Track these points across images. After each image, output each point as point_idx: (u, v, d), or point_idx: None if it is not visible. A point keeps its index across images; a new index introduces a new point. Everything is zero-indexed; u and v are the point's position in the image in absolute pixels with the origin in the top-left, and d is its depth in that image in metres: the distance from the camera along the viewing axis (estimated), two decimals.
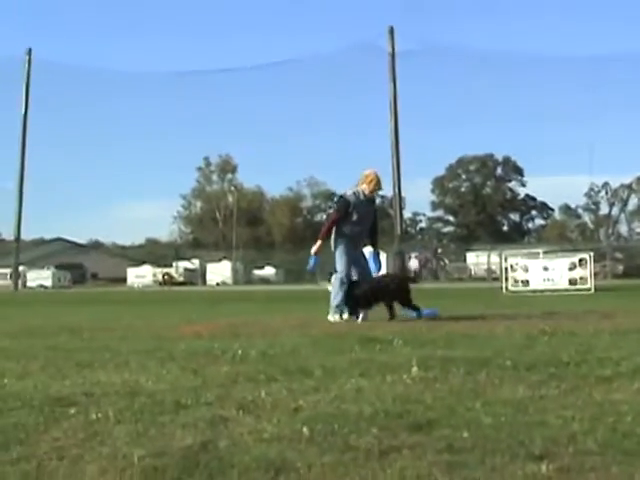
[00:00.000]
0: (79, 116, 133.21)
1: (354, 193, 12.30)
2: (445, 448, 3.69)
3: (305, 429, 4.06)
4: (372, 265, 12.71)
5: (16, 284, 69.33)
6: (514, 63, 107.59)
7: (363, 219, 12.28)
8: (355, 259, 12.36)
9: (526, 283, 30.46)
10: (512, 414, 4.39)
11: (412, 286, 12.56)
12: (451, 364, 6.37)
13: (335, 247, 12.39)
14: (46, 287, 77.95)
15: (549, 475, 3.26)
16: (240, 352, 7.51)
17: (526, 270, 30.85)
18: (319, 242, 12.39)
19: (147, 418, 4.49)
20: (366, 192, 12.22)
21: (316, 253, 12.44)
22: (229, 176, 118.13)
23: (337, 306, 12.21)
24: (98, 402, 5.01)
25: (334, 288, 12.34)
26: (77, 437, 4.08)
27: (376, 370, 6.18)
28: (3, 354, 7.98)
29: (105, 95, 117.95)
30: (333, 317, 12.11)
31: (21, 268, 74.50)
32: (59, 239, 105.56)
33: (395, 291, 12.21)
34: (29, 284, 79.96)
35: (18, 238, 70.11)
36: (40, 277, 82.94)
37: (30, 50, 69.13)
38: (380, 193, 13.18)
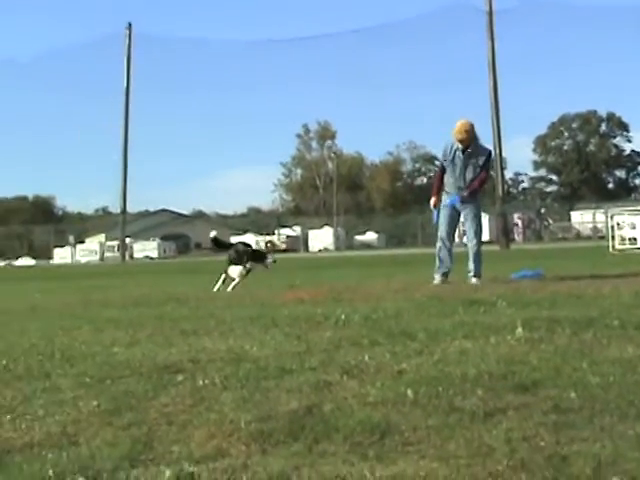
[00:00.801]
0: (180, 88, 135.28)
1: (450, 145, 12.14)
2: (552, 409, 3.64)
3: (409, 392, 4.05)
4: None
5: (123, 256, 70.98)
6: (614, 14, 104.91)
7: (459, 173, 12.03)
8: (451, 217, 12.19)
9: (634, 241, 29.83)
10: (621, 374, 4.31)
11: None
12: (556, 324, 6.27)
13: None
14: (152, 258, 79.51)
15: None
16: (343, 317, 7.52)
17: (633, 227, 30.23)
18: (433, 197, 12.30)
19: (252, 384, 4.54)
20: (456, 143, 12.00)
21: (434, 206, 12.29)
22: (328, 142, 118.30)
23: (437, 268, 12.11)
24: (204, 369, 5.08)
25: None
26: (185, 403, 4.15)
27: (480, 332, 6.13)
28: (112, 324, 8.16)
29: (203, 65, 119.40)
30: (435, 279, 12.03)
31: (128, 240, 76.16)
32: (164, 210, 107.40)
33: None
34: (136, 255, 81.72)
35: (124, 211, 71.64)
36: (146, 248, 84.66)
37: (130, 25, 70.26)
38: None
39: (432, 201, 12.28)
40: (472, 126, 12.01)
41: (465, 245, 12.34)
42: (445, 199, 12.17)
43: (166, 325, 7.80)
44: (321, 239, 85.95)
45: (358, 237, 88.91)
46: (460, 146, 11.94)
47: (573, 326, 6.15)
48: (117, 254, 74.14)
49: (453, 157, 12.01)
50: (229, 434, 3.50)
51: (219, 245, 14.33)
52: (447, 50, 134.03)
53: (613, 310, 7.16)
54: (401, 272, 14.10)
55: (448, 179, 12.14)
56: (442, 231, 12.21)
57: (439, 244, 12.18)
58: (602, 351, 5.07)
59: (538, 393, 3.96)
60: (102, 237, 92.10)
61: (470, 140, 11.97)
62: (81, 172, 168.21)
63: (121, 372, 5.10)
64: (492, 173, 57.42)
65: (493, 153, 13.76)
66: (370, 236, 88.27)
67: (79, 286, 19.81)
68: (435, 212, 12.23)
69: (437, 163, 13.35)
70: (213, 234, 14.51)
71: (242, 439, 3.42)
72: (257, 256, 13.12)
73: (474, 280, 11.85)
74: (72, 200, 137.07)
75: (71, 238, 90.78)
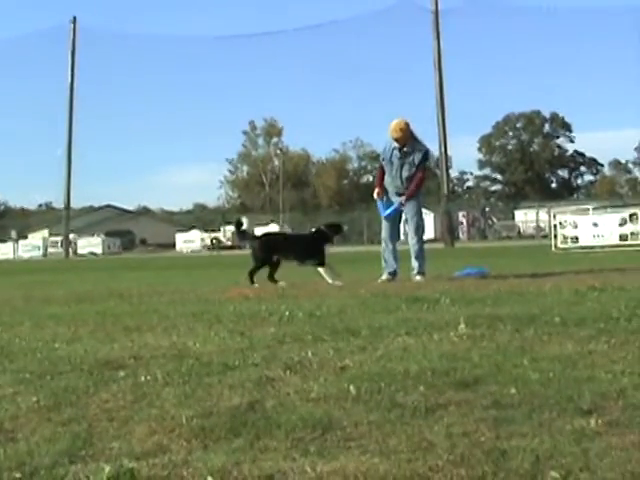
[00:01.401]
0: (125, 83, 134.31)
1: (389, 145, 12.17)
2: (492, 404, 3.68)
3: (351, 388, 4.06)
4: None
5: (67, 251, 70.22)
6: (560, 16, 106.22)
7: (396, 171, 12.06)
8: (392, 217, 12.22)
9: (575, 240, 30.19)
10: (560, 370, 4.36)
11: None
12: (498, 321, 6.34)
13: None
14: (96, 254, 78.66)
15: (598, 430, 3.24)
16: (287, 313, 7.52)
17: (575, 227, 30.58)
18: (377, 188, 12.32)
19: (195, 380, 4.52)
20: (393, 142, 12.04)
21: (378, 195, 12.27)
22: (275, 139, 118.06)
23: (384, 268, 12.15)
24: (146, 365, 5.05)
25: None
26: (126, 399, 4.12)
27: (423, 329, 6.17)
28: (54, 319, 8.08)
29: (149, 61, 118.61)
30: (382, 277, 12.06)
31: (71, 236, 75.36)
32: (108, 206, 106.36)
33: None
34: (80, 251, 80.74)
35: (68, 206, 70.93)
36: (90, 244, 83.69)
37: (75, 18, 69.45)
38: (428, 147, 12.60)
39: (376, 192, 12.32)
40: (407, 125, 12.05)
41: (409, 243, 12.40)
42: (386, 202, 12.19)
43: (108, 321, 7.73)
44: None
45: None
46: (397, 145, 11.99)
47: (515, 323, 6.22)
48: (61, 250, 73.23)
49: (391, 156, 12.08)
50: (170, 430, 3.48)
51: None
52: (395, 48, 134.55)
53: (554, 307, 7.26)
54: (346, 269, 14.16)
55: (387, 178, 12.21)
56: (385, 232, 12.28)
57: (383, 245, 12.25)
58: (543, 348, 5.14)
59: (479, 389, 3.99)
60: (45, 232, 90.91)
61: (406, 139, 12.00)
62: (24, 166, 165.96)
63: (62, 368, 5.05)
64: (437, 171, 57.86)
65: (431, 152, 13.84)
66: None
67: (21, 282, 19.56)
68: (380, 204, 12.26)
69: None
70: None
71: (183, 435, 3.40)
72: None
73: (418, 277, 11.90)
74: (14, 195, 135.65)
75: (13, 233, 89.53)
